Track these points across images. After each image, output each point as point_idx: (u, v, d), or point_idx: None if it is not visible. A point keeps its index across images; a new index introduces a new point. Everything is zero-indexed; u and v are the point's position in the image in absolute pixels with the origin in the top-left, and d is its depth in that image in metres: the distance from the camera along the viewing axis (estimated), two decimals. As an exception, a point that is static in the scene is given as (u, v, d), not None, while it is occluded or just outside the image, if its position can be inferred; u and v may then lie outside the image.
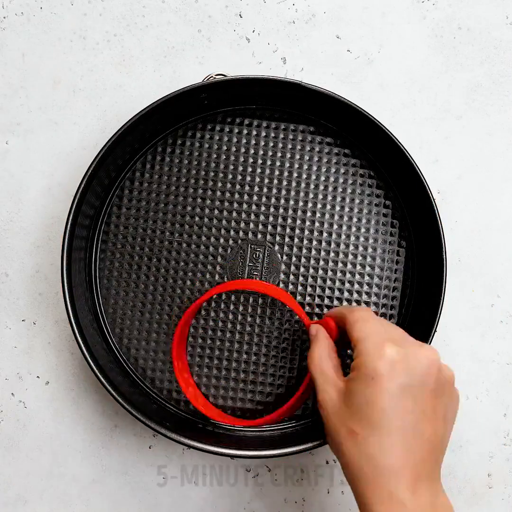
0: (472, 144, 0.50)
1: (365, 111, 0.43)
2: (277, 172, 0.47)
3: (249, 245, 0.47)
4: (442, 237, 0.43)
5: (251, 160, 0.47)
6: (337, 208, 0.47)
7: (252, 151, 0.47)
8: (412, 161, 0.43)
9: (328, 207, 0.47)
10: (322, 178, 0.47)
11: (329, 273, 0.46)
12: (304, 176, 0.47)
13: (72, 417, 0.49)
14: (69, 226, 0.43)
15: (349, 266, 0.46)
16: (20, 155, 0.50)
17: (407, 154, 0.43)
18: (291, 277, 0.46)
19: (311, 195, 0.47)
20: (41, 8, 0.50)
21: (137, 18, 0.50)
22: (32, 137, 0.50)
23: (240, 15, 0.50)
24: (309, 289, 0.46)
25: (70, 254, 0.43)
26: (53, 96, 0.50)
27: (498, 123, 0.50)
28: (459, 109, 0.50)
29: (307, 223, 0.47)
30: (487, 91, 0.50)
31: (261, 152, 0.47)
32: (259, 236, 0.47)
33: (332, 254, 0.46)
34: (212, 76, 0.46)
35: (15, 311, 0.49)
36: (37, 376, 0.49)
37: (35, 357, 0.49)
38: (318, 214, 0.47)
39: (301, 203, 0.47)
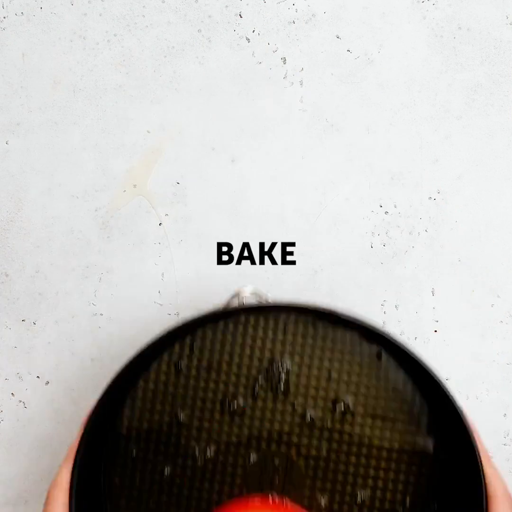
0: (472, 144, 0.50)
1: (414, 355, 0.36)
2: (294, 372, 0.39)
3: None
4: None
5: (272, 361, 0.40)
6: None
7: (268, 354, 0.40)
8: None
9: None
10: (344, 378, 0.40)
11: (350, 465, 0.39)
12: (325, 374, 0.39)
13: (72, 417, 0.49)
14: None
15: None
16: (20, 155, 0.50)
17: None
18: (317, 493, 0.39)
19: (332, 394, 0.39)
20: (41, 8, 0.50)
21: (137, 18, 0.50)
22: (32, 137, 0.50)
23: (240, 15, 0.50)
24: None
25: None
26: (53, 96, 0.50)
27: (498, 123, 0.50)
28: (459, 109, 0.50)
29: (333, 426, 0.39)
30: (487, 91, 0.50)
31: (277, 357, 0.39)
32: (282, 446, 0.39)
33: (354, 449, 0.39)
34: (243, 294, 0.41)
35: (15, 311, 0.49)
36: (37, 376, 0.49)
37: (35, 357, 0.49)
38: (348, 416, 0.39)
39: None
